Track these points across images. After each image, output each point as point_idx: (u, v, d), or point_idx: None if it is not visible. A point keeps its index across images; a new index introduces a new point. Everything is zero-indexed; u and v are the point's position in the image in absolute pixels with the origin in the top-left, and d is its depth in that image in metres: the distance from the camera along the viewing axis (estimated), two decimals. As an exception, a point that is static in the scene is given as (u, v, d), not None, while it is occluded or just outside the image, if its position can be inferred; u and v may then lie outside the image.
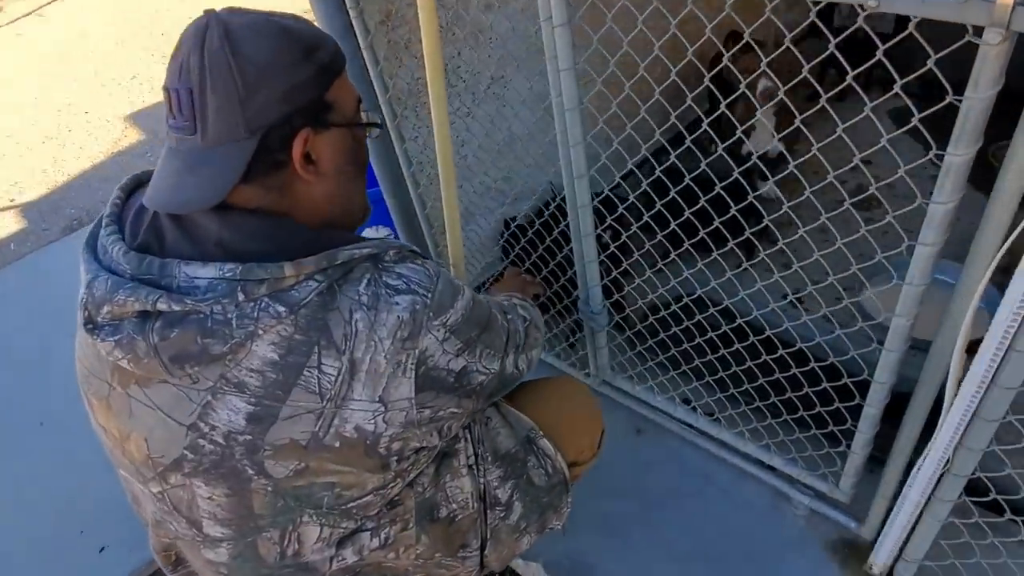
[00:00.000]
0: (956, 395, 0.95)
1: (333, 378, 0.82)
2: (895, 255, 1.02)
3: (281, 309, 0.79)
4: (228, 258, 0.79)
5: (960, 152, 0.78)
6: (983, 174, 0.78)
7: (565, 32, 1.07)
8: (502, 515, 1.16)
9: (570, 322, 1.77)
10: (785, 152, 2.13)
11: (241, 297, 0.78)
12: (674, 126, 1.19)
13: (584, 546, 1.54)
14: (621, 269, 1.51)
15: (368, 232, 2.08)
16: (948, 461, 1.05)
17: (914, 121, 0.84)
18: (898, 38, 0.82)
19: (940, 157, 0.81)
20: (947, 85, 0.75)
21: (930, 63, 0.75)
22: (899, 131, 0.88)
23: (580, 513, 1.58)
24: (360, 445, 0.87)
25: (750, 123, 2.08)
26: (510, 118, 1.99)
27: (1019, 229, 0.77)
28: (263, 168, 0.80)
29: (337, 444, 0.86)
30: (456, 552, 1.12)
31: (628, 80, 1.17)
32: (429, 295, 0.87)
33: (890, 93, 0.87)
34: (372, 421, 0.86)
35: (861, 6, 0.74)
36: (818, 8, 0.82)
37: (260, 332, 0.79)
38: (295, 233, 0.83)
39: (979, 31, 0.69)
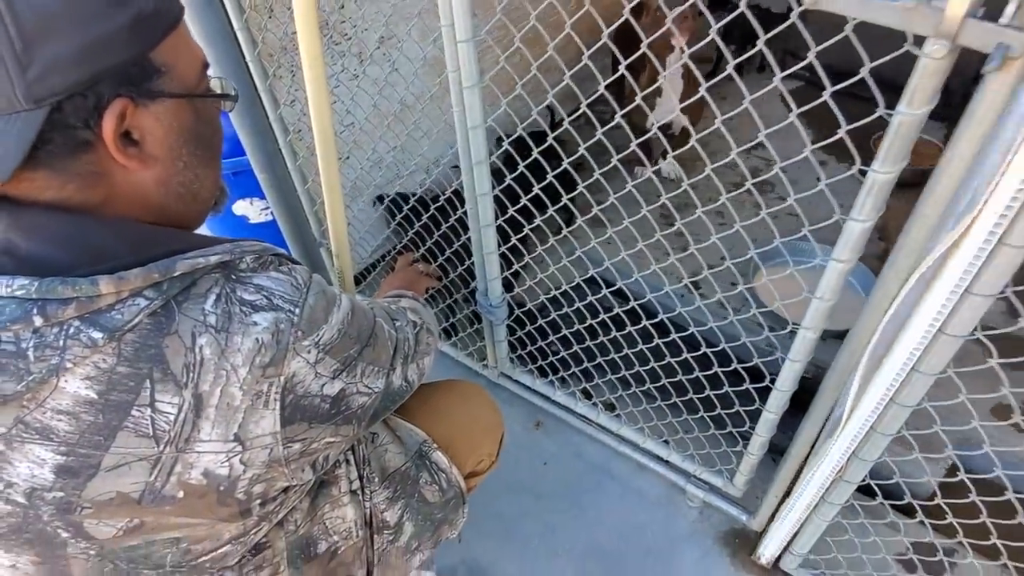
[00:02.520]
0: (854, 410, 0.94)
1: (172, 417, 0.66)
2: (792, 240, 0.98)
3: (97, 335, 0.62)
4: (21, 270, 0.61)
5: (886, 169, 0.73)
6: (865, 160, 0.74)
7: (462, 1, 0.92)
8: (391, 538, 1.05)
9: (468, 312, 1.66)
10: (689, 126, 2.09)
11: (39, 321, 0.60)
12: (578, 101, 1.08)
13: (479, 550, 1.47)
14: (523, 263, 1.40)
15: (240, 205, 1.83)
16: (841, 468, 1.05)
17: (831, 92, 0.78)
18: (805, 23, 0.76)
19: (863, 171, 0.76)
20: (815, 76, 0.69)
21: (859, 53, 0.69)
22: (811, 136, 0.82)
23: (476, 514, 1.50)
24: (211, 492, 0.72)
25: (656, 87, 1.99)
26: (404, 82, 1.81)
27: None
28: (60, 150, 0.61)
29: (180, 494, 0.70)
30: (338, 586, 1.00)
31: (533, 53, 1.05)
32: (297, 310, 0.72)
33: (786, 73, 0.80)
34: (226, 464, 0.71)
35: (800, 1, 0.66)
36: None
37: (69, 365, 0.62)
38: (115, 234, 0.65)
39: (920, 40, 0.63)
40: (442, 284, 1.55)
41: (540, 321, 1.48)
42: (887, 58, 0.67)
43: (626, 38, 1.21)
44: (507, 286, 1.46)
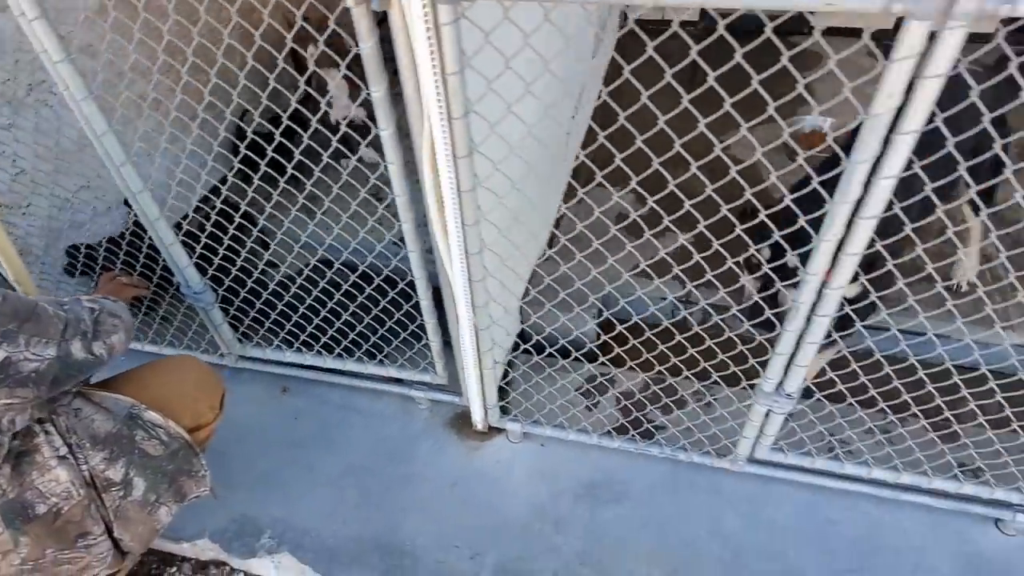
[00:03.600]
0: (452, 267, 1.29)
1: None
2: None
3: None
4: None
5: (376, 88, 1.06)
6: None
7: (42, 25, 1.11)
8: (121, 494, 1.19)
9: (184, 309, 1.81)
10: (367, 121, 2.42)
11: None
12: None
13: (247, 506, 1.63)
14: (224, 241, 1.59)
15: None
16: (472, 321, 1.40)
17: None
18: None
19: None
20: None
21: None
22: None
23: (239, 479, 1.68)
24: None
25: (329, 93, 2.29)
26: (70, 124, 1.89)
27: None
28: None
29: None
30: (74, 543, 1.13)
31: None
32: None
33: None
34: None
35: None
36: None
37: None
38: None
39: None
40: (149, 290, 1.68)
41: (242, 292, 1.68)
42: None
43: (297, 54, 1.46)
44: (203, 272, 1.64)
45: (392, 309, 1.58)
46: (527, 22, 1.01)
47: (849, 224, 1.02)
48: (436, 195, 1.16)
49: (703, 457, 1.58)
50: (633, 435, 1.64)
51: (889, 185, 0.95)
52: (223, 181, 2.23)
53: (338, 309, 1.64)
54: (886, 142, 0.91)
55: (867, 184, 0.96)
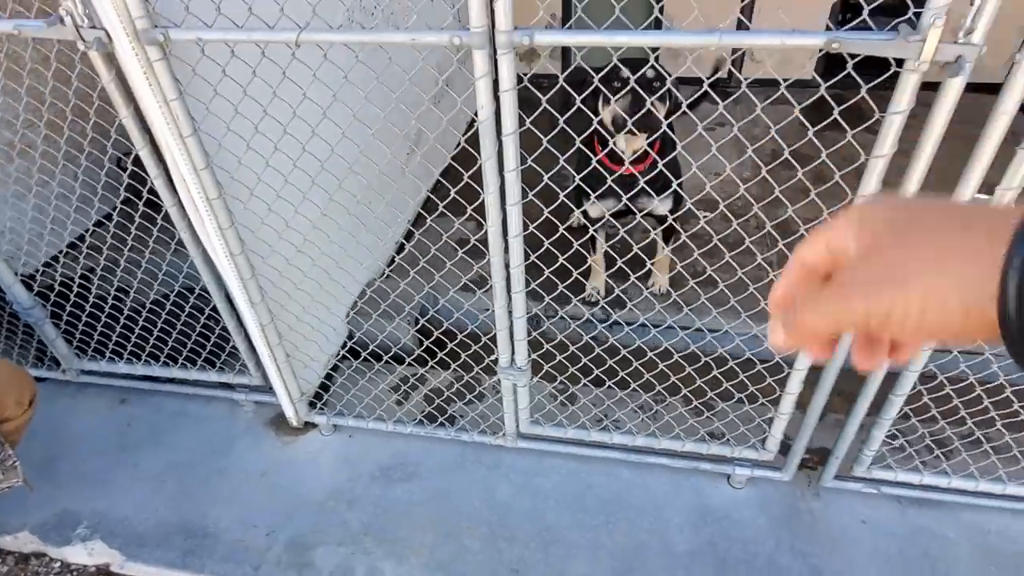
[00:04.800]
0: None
1: None
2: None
3: None
4: None
5: (123, 113, 1.30)
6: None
7: None
8: (-86, 474, 1.35)
9: (23, 327, 1.98)
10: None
11: None
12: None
13: (72, 501, 1.77)
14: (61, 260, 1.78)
15: None
16: (259, 320, 1.61)
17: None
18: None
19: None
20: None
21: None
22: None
23: (66, 479, 1.83)
24: None
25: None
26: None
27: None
28: None
29: None
30: None
31: None
32: None
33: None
34: None
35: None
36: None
37: None
38: None
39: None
40: (-11, 310, 1.85)
41: (68, 307, 1.86)
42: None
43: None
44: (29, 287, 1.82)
45: (197, 314, 1.78)
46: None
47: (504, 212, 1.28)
48: (191, 203, 1.40)
49: (482, 436, 1.79)
50: (420, 420, 1.84)
51: (514, 177, 1.21)
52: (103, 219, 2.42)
53: (153, 318, 1.83)
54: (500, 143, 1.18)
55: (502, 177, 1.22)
